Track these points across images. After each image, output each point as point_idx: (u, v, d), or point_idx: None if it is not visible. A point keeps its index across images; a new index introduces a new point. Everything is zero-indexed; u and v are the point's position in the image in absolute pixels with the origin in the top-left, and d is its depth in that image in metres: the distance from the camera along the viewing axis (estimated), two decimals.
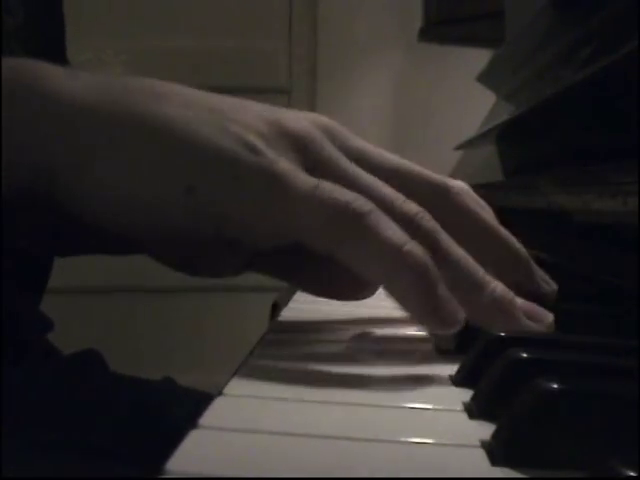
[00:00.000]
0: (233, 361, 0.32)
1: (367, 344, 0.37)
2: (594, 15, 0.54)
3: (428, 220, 0.33)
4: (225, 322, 1.94)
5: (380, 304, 0.45)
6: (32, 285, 0.63)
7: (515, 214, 0.70)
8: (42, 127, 0.30)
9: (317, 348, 0.34)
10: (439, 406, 0.26)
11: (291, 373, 0.30)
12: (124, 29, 1.95)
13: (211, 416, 0.23)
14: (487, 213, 0.39)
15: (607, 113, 0.50)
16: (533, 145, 0.72)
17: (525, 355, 0.26)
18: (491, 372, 0.26)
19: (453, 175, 1.21)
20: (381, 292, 0.45)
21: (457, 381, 0.29)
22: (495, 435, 0.22)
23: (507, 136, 0.80)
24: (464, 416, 0.25)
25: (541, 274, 0.40)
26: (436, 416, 0.25)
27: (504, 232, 0.39)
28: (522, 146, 0.76)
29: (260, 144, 0.31)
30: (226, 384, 0.27)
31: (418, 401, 0.26)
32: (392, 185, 0.34)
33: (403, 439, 0.22)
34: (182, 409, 0.58)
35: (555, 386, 0.21)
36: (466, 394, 0.27)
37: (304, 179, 0.31)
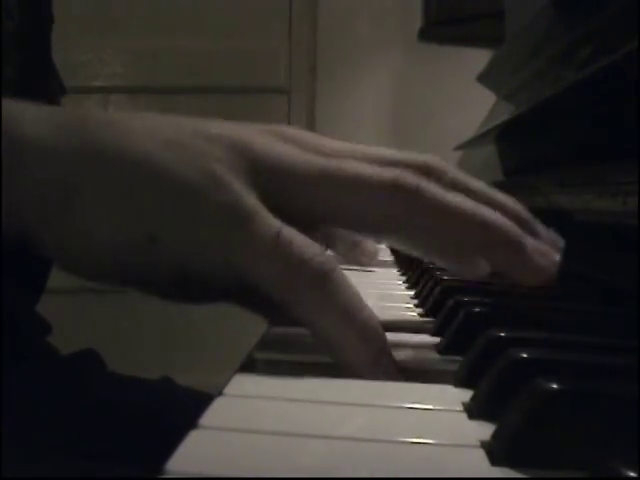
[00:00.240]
0: (233, 361, 0.32)
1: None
2: (594, 15, 0.54)
3: (406, 180, 0.32)
4: (225, 322, 1.94)
5: (381, 304, 0.45)
6: (31, 285, 0.63)
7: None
8: (10, 178, 0.29)
9: (317, 348, 0.34)
10: (439, 406, 0.26)
11: (291, 373, 0.30)
12: (124, 29, 1.95)
13: (211, 416, 0.23)
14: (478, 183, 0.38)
15: (607, 113, 0.50)
16: (533, 145, 0.72)
17: (525, 355, 0.26)
18: (491, 372, 0.26)
19: None
20: (382, 293, 0.46)
21: (457, 381, 0.29)
22: (495, 435, 0.22)
23: (507, 136, 0.80)
24: (464, 416, 0.25)
25: (546, 233, 0.39)
26: (436, 416, 0.25)
27: (501, 197, 0.38)
28: (522, 146, 0.76)
29: (225, 174, 0.30)
30: (226, 384, 0.27)
31: (418, 401, 0.26)
32: None
33: (403, 439, 0.22)
34: (181, 409, 0.58)
35: (555, 386, 0.21)
36: (466, 394, 0.27)
37: (266, 224, 0.29)
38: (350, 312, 0.30)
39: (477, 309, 0.36)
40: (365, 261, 0.66)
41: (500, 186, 0.78)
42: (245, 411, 0.25)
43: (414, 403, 0.26)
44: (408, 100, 1.95)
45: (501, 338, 0.30)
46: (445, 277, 0.49)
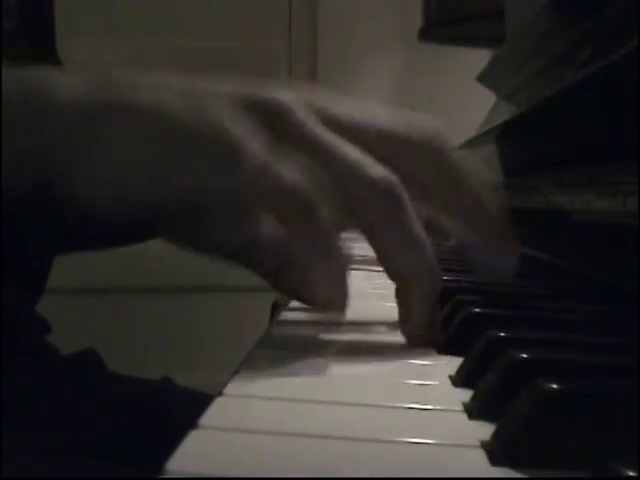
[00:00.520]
0: (233, 361, 0.32)
1: (367, 344, 0.37)
2: (594, 15, 0.54)
3: (388, 187, 0.33)
4: (225, 322, 1.94)
5: (382, 304, 0.45)
6: (31, 285, 0.63)
7: (515, 214, 0.70)
8: (45, 131, 0.33)
9: (317, 348, 0.34)
10: (439, 406, 0.26)
11: (291, 373, 0.30)
12: (124, 29, 1.95)
13: (211, 416, 0.23)
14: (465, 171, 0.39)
15: (607, 113, 0.50)
16: (533, 145, 0.72)
17: (525, 355, 0.26)
18: (491, 372, 0.26)
19: None
20: (384, 293, 0.45)
21: (457, 381, 0.29)
22: (495, 435, 0.22)
23: (507, 136, 0.80)
24: (464, 416, 0.25)
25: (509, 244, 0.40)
26: (436, 416, 0.25)
27: (485, 198, 0.39)
28: (522, 146, 0.76)
29: (225, 113, 0.33)
30: (226, 384, 0.27)
31: (418, 401, 0.26)
32: (379, 150, 0.35)
33: (403, 439, 0.22)
34: (181, 409, 0.58)
35: (555, 386, 0.21)
36: (466, 394, 0.27)
37: (257, 152, 0.32)
38: (319, 241, 0.32)
39: (477, 309, 0.36)
40: None
41: (500, 186, 0.78)
42: (245, 411, 0.25)
43: (414, 403, 0.26)
44: (408, 100, 1.95)
45: (501, 338, 0.30)
46: (445, 277, 0.49)
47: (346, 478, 0.19)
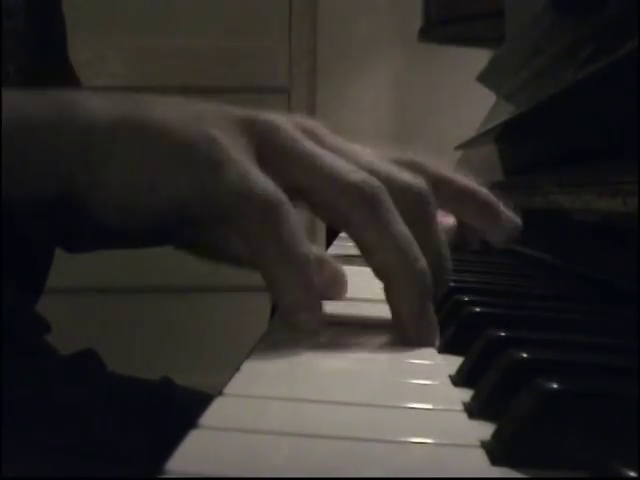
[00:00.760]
0: (233, 361, 0.32)
1: (367, 344, 0.37)
2: (594, 15, 0.54)
3: (365, 190, 0.35)
4: (225, 322, 1.94)
5: (384, 304, 0.45)
6: (31, 285, 0.63)
7: (515, 214, 0.70)
8: (69, 150, 0.36)
9: (317, 348, 0.34)
10: (439, 406, 0.26)
11: (291, 373, 0.30)
12: (124, 29, 1.95)
13: (211, 416, 0.23)
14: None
15: (607, 113, 0.50)
16: (533, 145, 0.72)
17: (525, 355, 0.26)
18: (491, 372, 0.26)
19: None
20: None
21: (457, 381, 0.29)
22: (495, 435, 0.22)
23: (507, 136, 0.80)
24: (464, 416, 0.25)
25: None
26: (436, 416, 0.25)
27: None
28: (522, 146, 0.76)
29: (219, 126, 0.35)
30: (226, 384, 0.27)
31: (418, 401, 0.26)
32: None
33: (403, 439, 0.22)
34: (181, 409, 0.58)
35: (555, 386, 0.21)
36: (466, 394, 0.27)
37: (241, 160, 0.34)
38: (288, 246, 0.33)
39: (477, 309, 0.36)
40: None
41: (500, 186, 0.78)
42: (245, 411, 0.25)
43: (414, 403, 0.26)
44: (408, 100, 1.95)
45: (501, 338, 0.30)
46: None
47: (346, 478, 0.19)
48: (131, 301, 1.95)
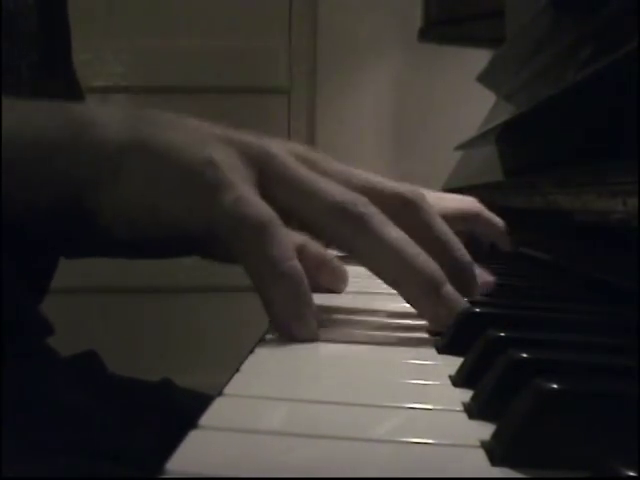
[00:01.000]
0: (233, 361, 0.32)
1: (367, 344, 0.37)
2: (594, 15, 0.54)
3: (354, 207, 0.37)
4: (225, 322, 1.94)
5: (380, 304, 0.45)
6: (35, 286, 0.63)
7: (515, 214, 0.70)
8: (82, 161, 0.38)
9: (317, 348, 0.34)
10: (439, 406, 0.26)
11: (291, 373, 0.30)
12: (124, 29, 1.95)
13: (211, 416, 0.23)
14: (444, 225, 0.44)
15: (607, 113, 0.50)
16: (533, 145, 0.72)
17: (525, 355, 0.26)
18: (491, 372, 0.26)
19: (453, 175, 1.21)
20: (385, 292, 0.45)
21: (457, 381, 0.29)
22: (495, 435, 0.22)
23: (507, 136, 0.80)
24: (464, 416, 0.25)
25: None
26: (436, 416, 0.25)
27: (456, 246, 0.43)
28: (522, 146, 0.76)
29: (219, 160, 0.37)
30: (226, 384, 0.27)
31: (418, 401, 0.26)
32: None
33: (403, 439, 0.22)
34: (181, 409, 0.58)
35: (555, 386, 0.21)
36: (466, 394, 0.27)
37: (238, 184, 0.36)
38: (277, 262, 0.34)
39: (477, 309, 0.36)
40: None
41: (500, 186, 0.78)
42: (245, 411, 0.25)
43: (414, 403, 0.26)
44: (408, 100, 1.95)
45: (501, 338, 0.30)
46: None
47: (346, 478, 0.19)
48: (131, 301, 1.95)
